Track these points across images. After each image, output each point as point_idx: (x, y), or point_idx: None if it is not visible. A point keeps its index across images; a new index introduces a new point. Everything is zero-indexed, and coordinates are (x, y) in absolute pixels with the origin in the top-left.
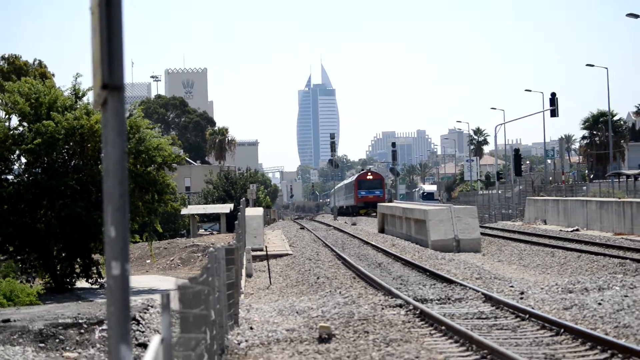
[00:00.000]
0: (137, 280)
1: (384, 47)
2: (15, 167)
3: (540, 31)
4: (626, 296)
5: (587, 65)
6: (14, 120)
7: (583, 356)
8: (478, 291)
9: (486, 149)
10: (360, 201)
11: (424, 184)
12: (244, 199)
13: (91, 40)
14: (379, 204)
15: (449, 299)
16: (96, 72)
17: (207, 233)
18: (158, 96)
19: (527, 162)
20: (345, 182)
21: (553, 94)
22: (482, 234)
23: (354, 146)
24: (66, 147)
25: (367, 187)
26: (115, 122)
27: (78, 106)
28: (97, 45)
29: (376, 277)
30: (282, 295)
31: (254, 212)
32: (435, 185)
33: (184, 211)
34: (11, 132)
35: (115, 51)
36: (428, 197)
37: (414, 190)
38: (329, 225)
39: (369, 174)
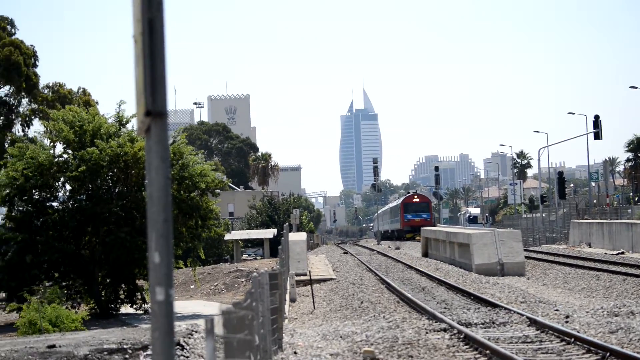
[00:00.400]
0: (181, 306)
1: (425, 71)
2: (60, 194)
3: (583, 54)
4: None
5: (631, 87)
6: (59, 148)
7: None
8: (523, 315)
9: (530, 172)
10: (407, 225)
11: (467, 207)
12: (287, 224)
13: (134, 67)
14: (422, 228)
15: (493, 322)
16: (139, 99)
17: (251, 258)
18: (201, 122)
19: (571, 185)
20: (390, 205)
21: (596, 117)
22: (526, 257)
23: (396, 170)
24: (110, 174)
25: (413, 210)
26: (158, 148)
27: (122, 133)
28: (140, 73)
29: (420, 301)
30: (326, 319)
31: (297, 237)
32: (479, 209)
33: (227, 236)
34: (56, 159)
35: (158, 78)
36: (474, 220)
37: (458, 214)
38: (373, 250)
39: (416, 196)
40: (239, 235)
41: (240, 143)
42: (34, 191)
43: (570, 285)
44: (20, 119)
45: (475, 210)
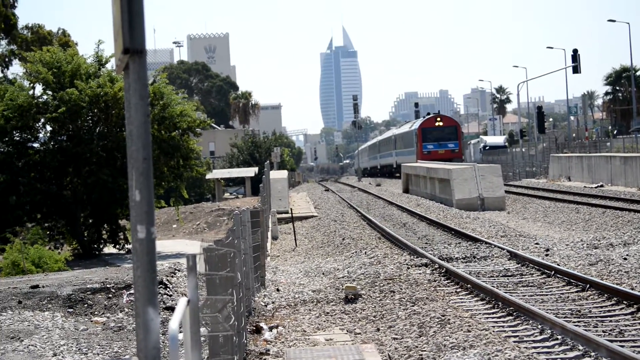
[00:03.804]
0: (164, 245)
1: (404, 7)
2: (41, 135)
3: None
4: None
5: (609, 20)
6: (38, 89)
7: (609, 311)
8: (503, 249)
9: (509, 107)
10: (426, 158)
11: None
12: (268, 162)
13: (112, 4)
14: (403, 164)
15: (474, 257)
16: (117, 36)
17: (233, 197)
18: (180, 62)
19: (550, 119)
20: (396, 132)
21: (575, 51)
22: (506, 192)
23: (376, 107)
24: (90, 114)
25: (436, 138)
26: (137, 85)
27: (101, 73)
28: (117, 10)
29: (401, 237)
30: (308, 256)
31: (278, 175)
32: (503, 137)
33: (209, 175)
34: (35, 100)
35: (135, 14)
36: (491, 150)
37: (468, 143)
38: (354, 187)
39: (439, 119)
40: (220, 174)
41: (221, 82)
42: (14, 132)
43: (550, 218)
44: None
45: (494, 139)
